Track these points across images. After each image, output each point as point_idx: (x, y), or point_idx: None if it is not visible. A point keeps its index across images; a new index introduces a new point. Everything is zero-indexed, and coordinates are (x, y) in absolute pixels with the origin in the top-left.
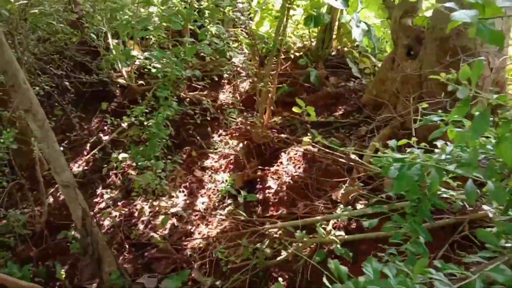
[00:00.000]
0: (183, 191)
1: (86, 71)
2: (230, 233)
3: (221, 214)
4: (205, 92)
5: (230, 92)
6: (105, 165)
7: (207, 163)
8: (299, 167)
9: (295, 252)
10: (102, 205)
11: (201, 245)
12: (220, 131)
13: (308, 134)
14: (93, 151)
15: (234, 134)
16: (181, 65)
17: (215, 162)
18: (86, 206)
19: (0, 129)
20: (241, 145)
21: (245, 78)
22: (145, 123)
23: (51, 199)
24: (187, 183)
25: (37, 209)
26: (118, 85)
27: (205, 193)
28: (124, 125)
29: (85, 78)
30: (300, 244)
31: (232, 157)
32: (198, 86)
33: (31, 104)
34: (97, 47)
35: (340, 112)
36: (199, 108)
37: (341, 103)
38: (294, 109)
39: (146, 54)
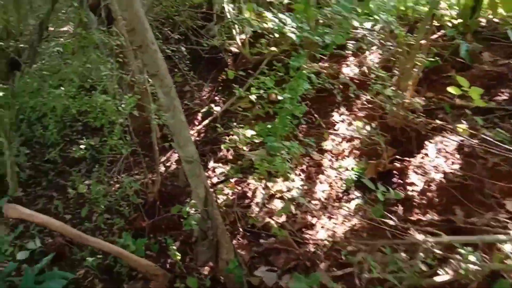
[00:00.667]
0: (299, 175)
1: (199, 37)
2: (361, 232)
3: (349, 208)
4: (326, 64)
5: (355, 65)
6: (217, 137)
7: (327, 145)
8: (452, 163)
9: (464, 275)
10: (214, 180)
11: (326, 242)
12: (342, 109)
13: (463, 121)
14: (205, 122)
15: (359, 114)
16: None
17: (337, 145)
18: (208, 185)
19: (120, 93)
20: (368, 128)
21: (373, 49)
22: (275, 96)
23: (162, 168)
24: (304, 166)
25: (149, 177)
26: (230, 53)
27: (325, 180)
28: (253, 97)
29: (205, 43)
30: (471, 266)
31: (357, 141)
32: (319, 57)
33: (159, 68)
34: (212, 11)
35: (504, 97)
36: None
37: (504, 85)
38: (452, 89)
39: (285, 17)
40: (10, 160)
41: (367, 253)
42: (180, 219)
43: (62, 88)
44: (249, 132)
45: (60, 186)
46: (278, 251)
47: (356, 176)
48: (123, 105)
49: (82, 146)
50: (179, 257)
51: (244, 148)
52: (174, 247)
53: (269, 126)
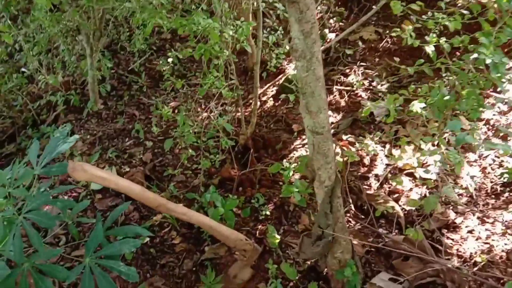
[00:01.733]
0: (437, 145)
1: None
2: None
3: None
4: None
5: None
6: (328, 74)
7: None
8: None
9: None
10: None
11: (478, 258)
12: None
13: None
14: None
15: None
16: None
17: (499, 114)
18: (337, 169)
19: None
20: None
21: None
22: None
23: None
24: (445, 135)
25: (243, 111)
26: None
27: (476, 162)
28: (430, 49)
29: None
30: None
31: None
32: None
33: None
34: None
35: None
36: None
37: None
38: None
39: None
40: (92, 71)
41: None
42: (275, 175)
43: None
44: (418, 105)
45: (142, 104)
46: (405, 255)
47: None
48: (230, 32)
49: (169, 60)
50: (277, 240)
51: (363, 95)
52: (268, 213)
53: (447, 97)
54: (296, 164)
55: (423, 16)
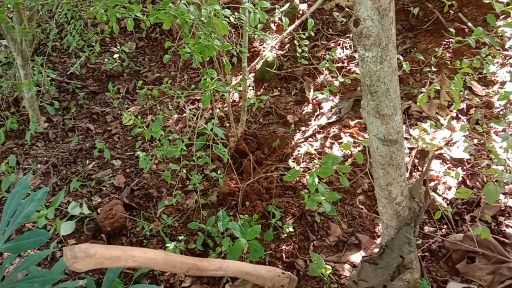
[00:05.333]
0: (457, 118)
1: None
2: None
3: None
4: None
5: None
6: (312, 52)
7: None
8: None
9: None
10: (322, 120)
11: None
12: None
13: None
14: (291, 27)
15: None
16: None
17: None
18: (422, 187)
19: None
20: None
21: None
22: None
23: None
24: (463, 105)
25: (218, 111)
26: None
27: (504, 130)
28: None
29: None
30: None
31: None
32: None
33: None
34: None
35: None
36: None
37: None
38: None
39: None
40: (27, 83)
41: None
42: (282, 180)
43: None
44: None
45: (95, 114)
46: (471, 256)
47: None
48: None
49: (115, 56)
50: (329, 271)
51: (357, 70)
52: (291, 229)
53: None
54: (305, 162)
55: None
